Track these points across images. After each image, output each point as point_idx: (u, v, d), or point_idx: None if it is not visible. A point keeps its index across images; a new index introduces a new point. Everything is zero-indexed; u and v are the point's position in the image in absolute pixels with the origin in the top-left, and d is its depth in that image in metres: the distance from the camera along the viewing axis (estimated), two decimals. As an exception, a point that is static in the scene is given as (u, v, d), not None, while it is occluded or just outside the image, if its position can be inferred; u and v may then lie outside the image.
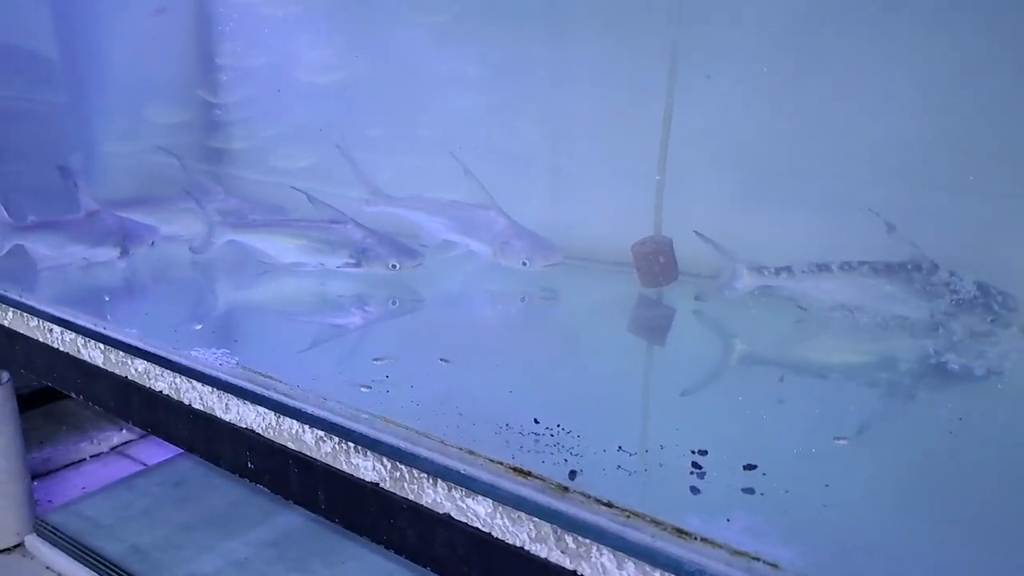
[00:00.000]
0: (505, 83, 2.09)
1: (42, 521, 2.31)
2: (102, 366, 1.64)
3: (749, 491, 1.06)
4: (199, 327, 1.58)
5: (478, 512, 1.10)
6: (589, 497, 1.01)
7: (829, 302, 1.60)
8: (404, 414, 1.24)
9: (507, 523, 1.07)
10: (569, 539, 1.01)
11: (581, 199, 2.05)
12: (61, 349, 1.73)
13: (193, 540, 2.21)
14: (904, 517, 1.01)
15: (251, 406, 1.37)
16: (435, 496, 1.14)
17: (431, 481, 1.14)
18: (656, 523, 0.96)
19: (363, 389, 1.31)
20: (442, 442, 1.14)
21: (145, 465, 2.79)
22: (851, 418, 1.28)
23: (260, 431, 1.36)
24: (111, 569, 2.13)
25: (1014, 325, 1.43)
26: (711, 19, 1.76)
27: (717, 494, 1.06)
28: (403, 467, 1.17)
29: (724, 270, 1.68)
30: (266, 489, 1.38)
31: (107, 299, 1.80)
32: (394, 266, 1.93)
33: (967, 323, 1.45)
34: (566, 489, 1.03)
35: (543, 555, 1.02)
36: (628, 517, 0.97)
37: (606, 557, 0.96)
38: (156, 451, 2.90)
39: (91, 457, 2.84)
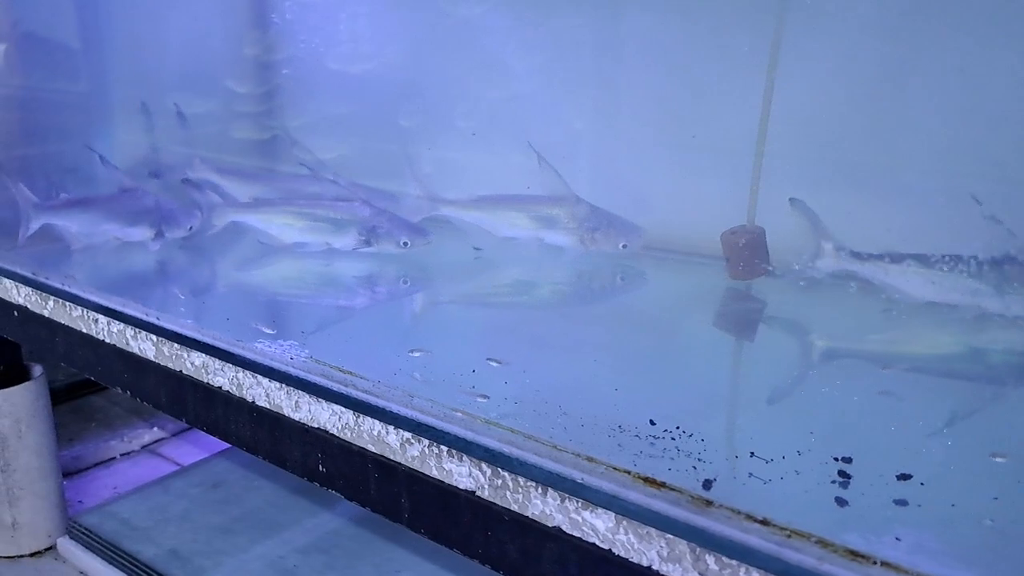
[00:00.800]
0: (584, 64, 1.97)
1: (75, 523, 2.20)
2: (154, 359, 1.52)
3: (902, 503, 0.94)
4: (271, 331, 1.44)
5: (596, 526, 0.98)
6: (739, 512, 0.88)
7: (920, 294, 1.47)
8: (498, 413, 1.12)
9: (632, 539, 0.95)
10: (710, 559, 0.88)
11: (665, 187, 1.92)
12: (107, 341, 1.62)
13: (235, 544, 2.10)
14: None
15: (325, 404, 1.25)
16: (544, 507, 1.02)
17: (540, 490, 1.02)
18: (823, 543, 0.83)
19: (480, 399, 1.17)
20: (555, 447, 1.02)
21: (178, 465, 2.67)
22: (980, 422, 1.16)
23: (335, 431, 1.24)
24: (148, 574, 2.01)
25: None
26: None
27: (867, 506, 0.93)
28: (505, 474, 1.05)
29: (808, 247, 1.55)
30: (339, 494, 1.26)
31: (181, 296, 1.67)
32: (405, 244, 1.86)
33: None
34: (709, 503, 0.90)
35: (678, 576, 0.90)
36: (788, 536, 0.84)
37: (761, 581, 0.84)
38: (188, 450, 2.78)
39: (122, 456, 2.73)
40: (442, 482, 1.12)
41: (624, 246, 1.81)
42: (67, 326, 1.71)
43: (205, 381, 1.43)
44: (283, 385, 1.30)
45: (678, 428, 1.09)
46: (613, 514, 0.96)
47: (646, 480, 0.95)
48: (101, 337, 1.63)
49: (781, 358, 1.45)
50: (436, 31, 2.32)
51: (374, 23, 2.45)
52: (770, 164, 1.71)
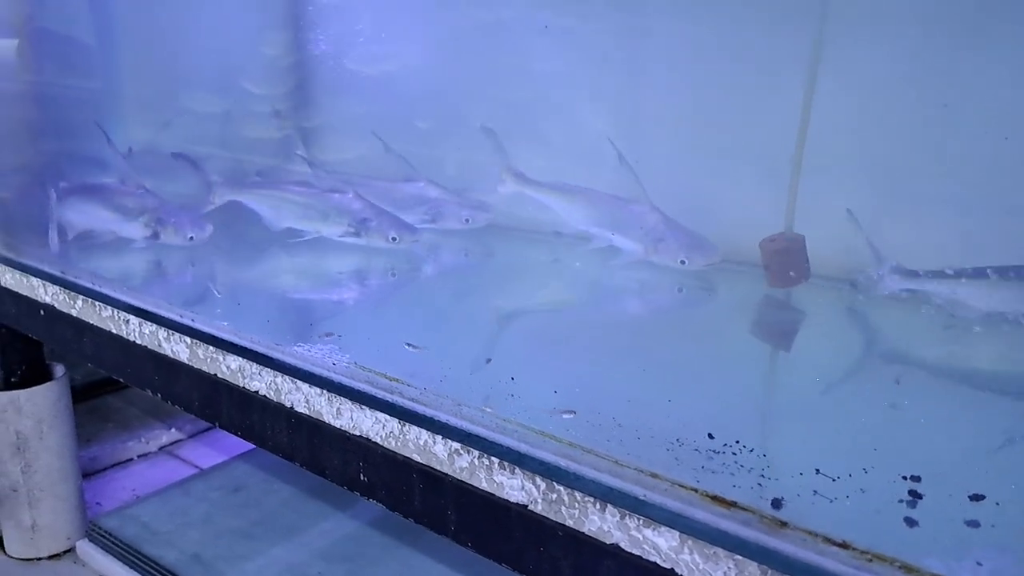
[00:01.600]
0: (618, 65, 1.94)
1: (94, 525, 2.17)
2: (187, 362, 1.49)
3: (974, 524, 0.91)
4: (326, 333, 1.41)
5: (658, 545, 0.94)
6: (815, 535, 0.85)
7: (983, 308, 1.44)
8: (547, 423, 1.09)
9: (697, 559, 0.92)
10: (783, 582, 0.85)
11: (703, 193, 1.89)
12: (138, 342, 1.59)
13: (257, 549, 2.07)
14: None
15: (368, 411, 1.22)
16: (601, 524, 0.99)
17: (598, 506, 0.99)
18: (907, 568, 0.80)
19: (565, 415, 1.14)
20: (616, 462, 0.98)
21: (196, 467, 2.64)
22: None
23: (379, 440, 1.21)
24: (169, 579, 1.98)
25: None
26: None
27: (938, 527, 0.90)
28: (561, 488, 1.02)
29: (869, 269, 1.53)
30: (381, 505, 1.23)
31: (218, 295, 1.64)
32: (394, 239, 1.87)
33: None
34: (783, 524, 0.87)
35: (750, 599, 0.87)
36: (870, 560, 0.81)
37: (839, 607, 0.81)
38: (206, 452, 2.76)
39: (139, 457, 2.70)
40: (492, 495, 1.09)
41: (683, 262, 1.71)
42: (96, 326, 1.68)
43: (241, 385, 1.40)
44: (324, 391, 1.27)
45: (738, 443, 1.06)
46: (677, 533, 0.93)
47: (714, 499, 0.91)
48: (132, 338, 1.60)
49: (828, 369, 1.42)
50: (459, 33, 2.31)
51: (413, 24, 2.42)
52: (810, 170, 1.68)
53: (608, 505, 0.98)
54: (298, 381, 1.31)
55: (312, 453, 1.31)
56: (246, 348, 1.38)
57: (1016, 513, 0.92)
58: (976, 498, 0.95)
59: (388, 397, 1.19)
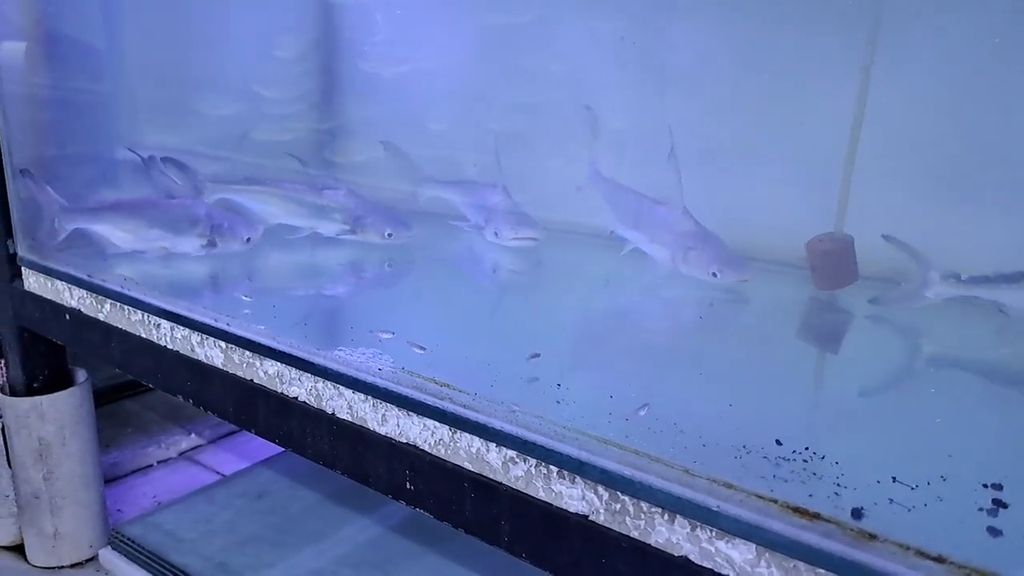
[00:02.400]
0: (671, 70, 1.90)
1: (117, 533, 2.13)
2: (221, 367, 1.46)
3: (1056, 534, 0.87)
4: (384, 332, 1.38)
5: (732, 558, 0.90)
6: (907, 547, 0.81)
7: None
8: (607, 430, 1.05)
9: (775, 572, 0.88)
10: (871, 597, 0.81)
11: (744, 191, 1.85)
12: (170, 347, 1.55)
13: (283, 556, 2.03)
14: None
15: (416, 418, 1.18)
16: (670, 535, 0.95)
17: (666, 517, 0.95)
18: (1008, 584, 0.76)
19: (641, 412, 1.10)
20: (686, 471, 0.94)
21: (217, 472, 2.61)
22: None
23: (427, 448, 1.17)
24: (195, 587, 1.94)
25: None
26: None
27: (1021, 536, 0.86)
28: (625, 498, 0.98)
29: (914, 276, 1.49)
30: (429, 515, 1.19)
31: (247, 298, 1.60)
32: (389, 235, 1.88)
33: None
34: (872, 536, 0.83)
35: (837, 616, 0.83)
36: (969, 574, 0.77)
37: (943, 625, 0.77)
38: (227, 457, 2.72)
39: (159, 463, 2.66)
40: (550, 504, 1.05)
41: (714, 275, 1.61)
42: (125, 331, 1.64)
43: (279, 391, 1.36)
44: (368, 397, 1.23)
45: (807, 449, 1.02)
46: (754, 545, 0.89)
47: (795, 510, 0.87)
48: (163, 343, 1.56)
49: (882, 372, 1.38)
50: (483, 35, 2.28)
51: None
52: (861, 171, 1.64)
53: (677, 516, 0.94)
54: (340, 387, 1.27)
55: (355, 461, 1.27)
56: (284, 353, 1.34)
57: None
58: (1063, 509, 0.91)
59: (438, 403, 1.15)
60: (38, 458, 2.01)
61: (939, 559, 0.79)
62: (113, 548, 2.14)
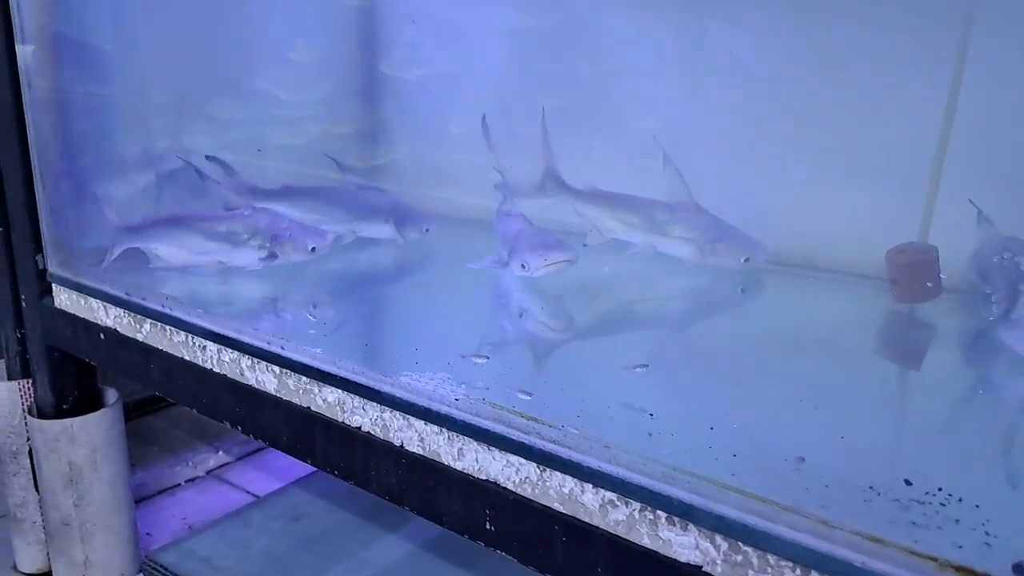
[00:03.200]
0: (747, 70, 1.81)
1: (150, 560, 2.03)
2: (274, 393, 1.36)
3: None
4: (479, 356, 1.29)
5: (881, 620, 0.81)
6: (1100, 616, 0.71)
7: None
8: (711, 467, 0.95)
9: (933, 639, 0.78)
10: (1052, 671, 0.71)
11: (815, 199, 1.76)
12: (216, 371, 1.46)
13: (326, 586, 1.93)
14: None
15: (499, 454, 1.08)
16: (803, 591, 0.85)
17: (798, 572, 0.85)
18: None
19: (799, 463, 0.99)
20: (825, 522, 0.85)
21: (247, 492, 2.51)
22: None
23: (511, 486, 1.08)
24: (234, 618, 1.85)
25: None
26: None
27: None
28: (748, 549, 0.88)
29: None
30: (512, 558, 1.09)
31: (312, 317, 1.51)
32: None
33: None
34: (1055, 602, 0.73)
35: None
36: None
37: None
38: (256, 476, 2.63)
39: (187, 482, 2.57)
40: (656, 553, 0.96)
41: (747, 260, 1.66)
42: (167, 352, 1.55)
43: (340, 420, 1.27)
44: (443, 429, 1.14)
45: (940, 490, 0.92)
46: (907, 607, 0.79)
47: (959, 570, 0.77)
48: (209, 366, 1.47)
49: (981, 395, 1.29)
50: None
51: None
52: (947, 178, 1.55)
53: (813, 572, 0.84)
54: (410, 417, 1.18)
55: (426, 497, 1.17)
56: (347, 380, 1.25)
57: None
58: None
59: (524, 439, 1.05)
60: (68, 483, 1.92)
61: None
62: (145, 576, 2.04)
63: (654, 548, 0.96)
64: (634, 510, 0.97)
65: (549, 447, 1.04)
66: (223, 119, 2.57)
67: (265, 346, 1.36)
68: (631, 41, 1.92)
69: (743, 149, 1.70)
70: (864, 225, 1.68)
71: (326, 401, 1.29)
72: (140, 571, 2.06)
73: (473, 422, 1.10)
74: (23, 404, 1.97)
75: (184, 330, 1.50)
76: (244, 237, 1.70)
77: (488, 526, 1.11)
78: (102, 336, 1.70)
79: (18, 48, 1.83)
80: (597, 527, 1.00)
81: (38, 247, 1.84)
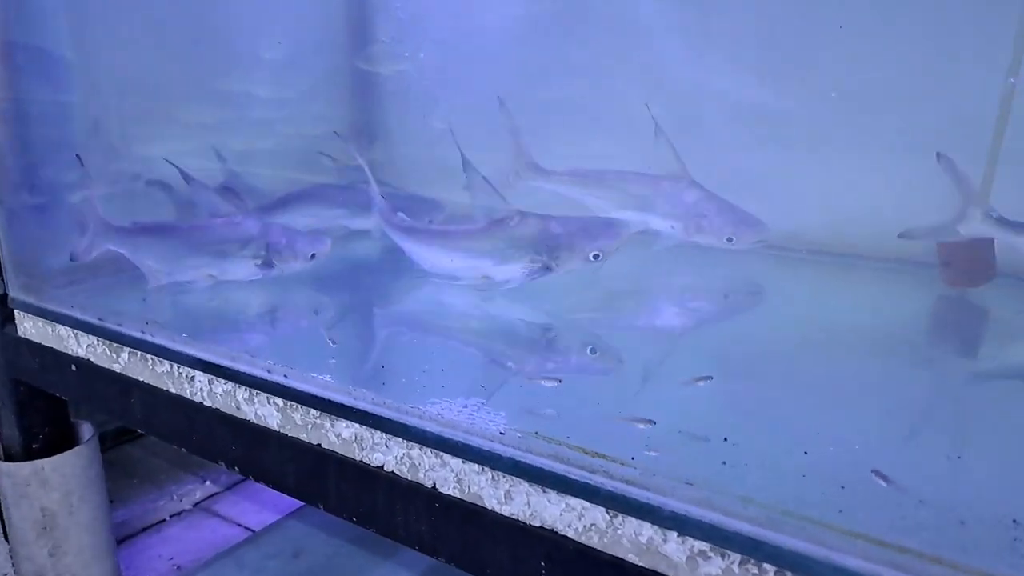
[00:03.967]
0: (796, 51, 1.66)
1: (136, 609, 1.84)
2: (278, 429, 1.18)
3: None
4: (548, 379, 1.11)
5: None
6: None
7: None
8: (809, 503, 0.79)
9: None
10: None
11: (861, 183, 1.61)
12: (208, 404, 1.27)
13: (332, 631, 1.75)
14: None
15: (556, 496, 0.91)
16: (957, 660, 0.69)
17: (953, 637, 0.69)
18: None
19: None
20: (988, 576, 0.69)
21: (238, 525, 2.32)
22: None
23: (572, 534, 0.91)
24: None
25: None
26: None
27: None
28: (886, 609, 0.72)
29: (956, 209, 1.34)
30: (575, 618, 0.92)
31: (333, 343, 1.32)
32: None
33: None
34: None
35: None
36: None
37: None
38: (247, 507, 2.43)
39: (172, 517, 2.37)
40: (763, 614, 0.79)
41: (729, 240, 1.51)
42: (149, 384, 1.37)
43: (358, 459, 1.09)
44: (485, 468, 0.97)
45: (1101, 528, 0.77)
46: None
47: None
48: (199, 399, 1.29)
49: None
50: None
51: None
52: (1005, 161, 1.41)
53: (974, 639, 0.68)
54: (444, 455, 1.00)
55: (466, 547, 1.00)
56: (364, 411, 1.07)
57: None
58: None
59: (588, 478, 0.89)
60: (42, 531, 1.72)
61: None
62: (131, 627, 1.85)
63: (760, 608, 0.80)
64: (732, 563, 0.80)
65: (619, 487, 0.87)
66: (192, 123, 2.40)
67: (265, 375, 1.18)
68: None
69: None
70: (896, 208, 1.54)
71: (340, 437, 1.11)
72: (126, 623, 1.87)
73: (523, 459, 0.93)
74: (-13, 445, 1.78)
75: (168, 359, 1.32)
76: (236, 247, 1.51)
77: (544, 580, 0.94)
78: (74, 368, 1.51)
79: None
80: (684, 582, 0.84)
81: (-3, 269, 1.65)
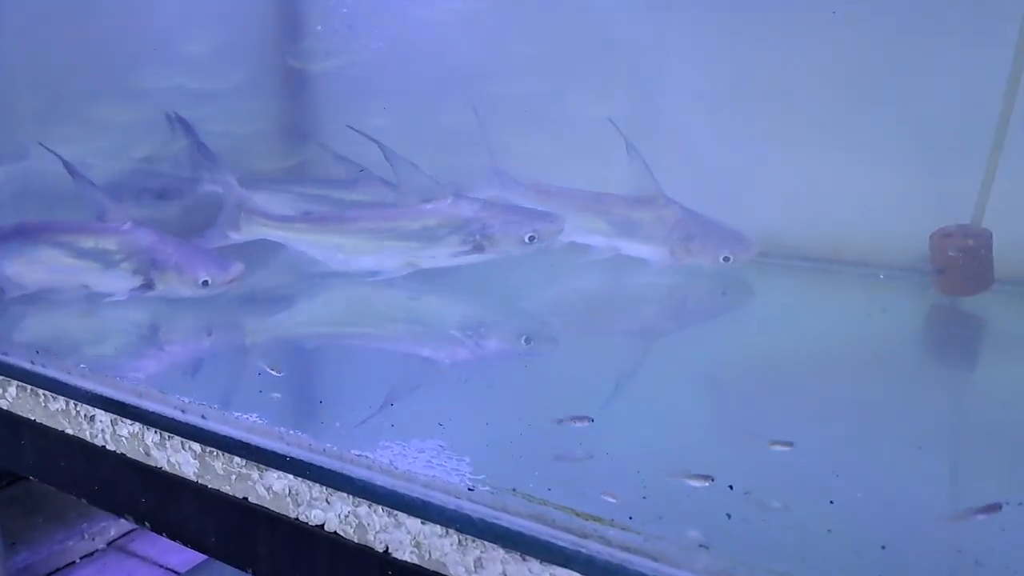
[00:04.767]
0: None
1: (37, 673, 1.61)
2: (195, 479, 0.99)
3: None
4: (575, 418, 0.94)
5: None
6: None
7: None
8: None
9: None
10: None
11: (843, 184, 1.50)
12: (111, 448, 1.08)
13: None
14: None
15: (539, 566, 0.75)
16: None
17: None
18: None
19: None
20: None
21: (159, 566, 2.10)
22: None
23: (561, 613, 0.74)
24: None
25: None
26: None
27: None
28: None
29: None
30: None
31: (276, 372, 1.12)
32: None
33: None
34: None
35: None
36: None
37: None
38: (168, 546, 2.20)
39: (83, 559, 2.13)
40: None
41: (726, 259, 1.45)
42: (41, 424, 1.16)
43: (293, 516, 0.91)
44: (450, 531, 0.80)
45: None
46: None
47: None
48: (100, 443, 1.09)
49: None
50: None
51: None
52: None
53: None
54: (399, 513, 0.83)
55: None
56: (299, 460, 0.89)
57: None
58: None
59: (578, 546, 0.73)
60: (-80, 591, 1.49)
61: None
62: None
63: None
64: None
65: (618, 556, 0.71)
66: (105, 122, 2.18)
67: (178, 415, 0.99)
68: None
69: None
70: (883, 212, 1.44)
71: (271, 490, 0.93)
72: None
73: (497, 521, 0.77)
74: None
75: (64, 395, 1.12)
76: (116, 257, 1.31)
77: (526, 668, 0.77)
78: (-48, 404, 1.28)
79: None
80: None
81: None
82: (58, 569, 2.10)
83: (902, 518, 0.76)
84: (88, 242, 1.32)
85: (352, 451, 0.88)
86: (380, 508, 0.84)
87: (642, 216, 1.49)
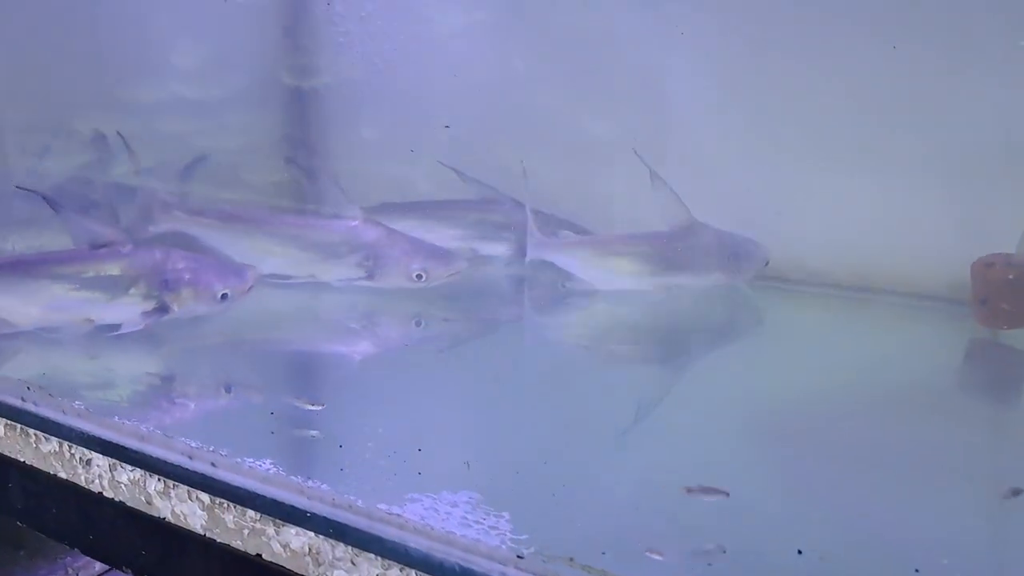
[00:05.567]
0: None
1: None
2: (202, 532, 0.91)
3: None
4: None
5: None
6: None
7: None
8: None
9: None
10: None
11: (870, 206, 1.45)
12: (109, 496, 1.00)
13: None
14: None
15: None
16: None
17: None
18: None
19: None
20: None
21: (147, 603, 1.99)
22: None
23: None
24: None
25: None
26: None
27: None
28: None
29: None
30: None
31: (313, 405, 1.04)
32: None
33: None
34: None
35: None
36: None
37: None
38: None
39: (67, 595, 2.03)
40: None
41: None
42: (31, 467, 1.07)
43: (313, 578, 0.83)
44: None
45: None
46: None
47: None
48: (96, 489, 1.00)
49: None
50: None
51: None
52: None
53: None
54: (439, 579, 0.75)
55: None
56: (319, 516, 0.81)
57: None
58: None
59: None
60: None
61: None
62: None
63: None
64: None
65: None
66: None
67: (185, 462, 0.91)
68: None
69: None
70: (924, 238, 1.39)
71: (288, 548, 0.85)
72: None
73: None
74: None
75: (57, 436, 1.03)
76: (123, 283, 1.22)
77: None
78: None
79: None
80: None
81: None
82: (41, 607, 1.99)
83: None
84: (88, 272, 1.23)
85: (380, 506, 0.80)
86: (414, 573, 0.76)
87: (684, 247, 1.45)
